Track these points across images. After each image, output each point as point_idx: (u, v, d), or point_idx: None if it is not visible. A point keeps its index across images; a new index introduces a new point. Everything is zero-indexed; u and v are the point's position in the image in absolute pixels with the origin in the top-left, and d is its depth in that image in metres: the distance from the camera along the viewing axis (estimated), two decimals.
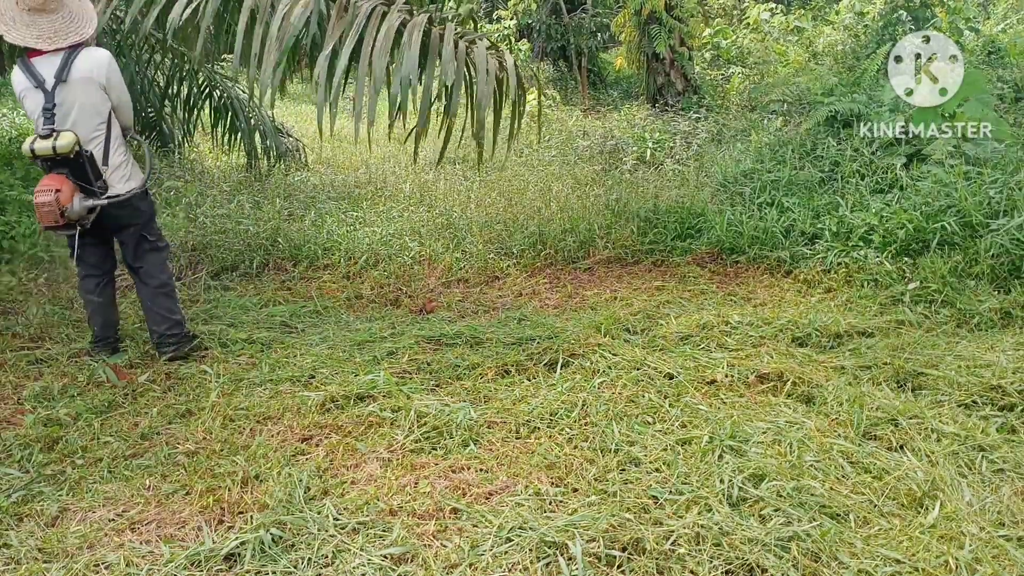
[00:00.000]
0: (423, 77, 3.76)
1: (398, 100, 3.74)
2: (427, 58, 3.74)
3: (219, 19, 5.38)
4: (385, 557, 2.26)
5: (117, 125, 3.73)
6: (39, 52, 3.54)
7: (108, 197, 3.63)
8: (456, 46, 3.65)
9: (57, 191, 3.43)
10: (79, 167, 3.53)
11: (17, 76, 3.57)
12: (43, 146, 3.44)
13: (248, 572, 2.21)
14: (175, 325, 3.88)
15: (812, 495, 2.50)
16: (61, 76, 3.50)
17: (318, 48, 3.83)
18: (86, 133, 3.56)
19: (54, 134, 3.45)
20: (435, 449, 2.91)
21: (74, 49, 3.55)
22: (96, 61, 3.58)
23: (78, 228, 3.59)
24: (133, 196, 3.73)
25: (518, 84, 4.01)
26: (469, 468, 2.76)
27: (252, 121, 7.82)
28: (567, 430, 3.01)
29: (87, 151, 3.55)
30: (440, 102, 3.97)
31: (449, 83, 3.56)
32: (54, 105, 3.49)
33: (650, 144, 7.89)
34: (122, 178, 3.72)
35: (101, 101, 3.61)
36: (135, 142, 3.92)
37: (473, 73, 3.82)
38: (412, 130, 3.86)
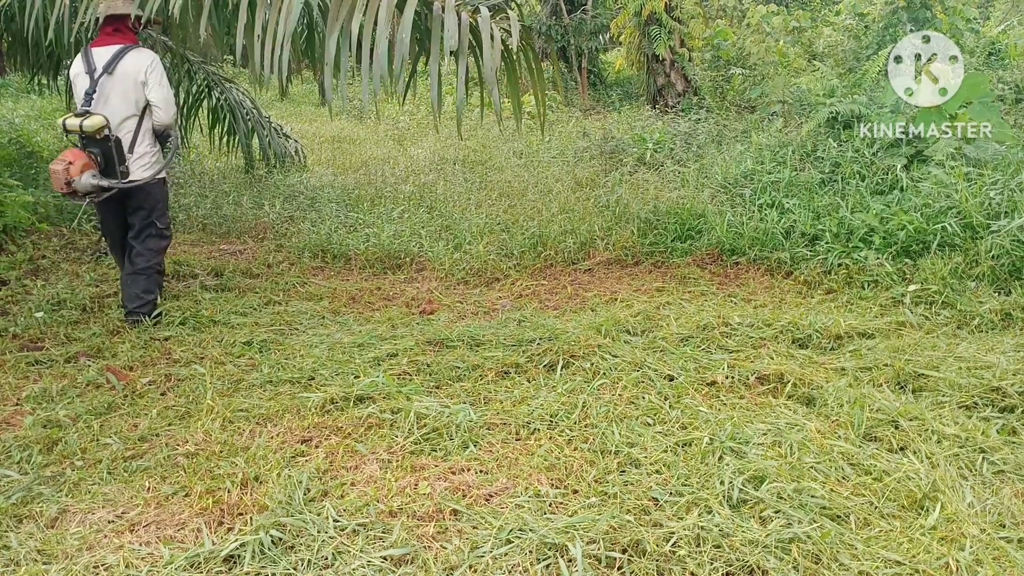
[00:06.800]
0: (427, 49, 3.73)
1: (402, 68, 3.67)
2: (431, 32, 3.70)
3: (219, 14, 5.35)
4: (385, 559, 2.26)
5: (149, 120, 4.19)
6: (102, 42, 4.13)
7: (122, 182, 4.10)
8: (459, 16, 3.62)
9: (69, 163, 3.93)
10: (108, 149, 4.04)
11: (76, 61, 4.18)
12: (73, 123, 3.99)
13: (248, 574, 2.20)
14: (145, 304, 4.30)
15: (813, 497, 2.50)
16: (108, 68, 4.06)
17: (319, 47, 3.80)
18: (117, 120, 4.08)
19: (86, 115, 3.99)
20: (435, 451, 2.90)
21: (127, 48, 4.11)
22: (140, 60, 4.11)
23: (88, 199, 4.08)
24: (147, 183, 4.20)
25: (529, 49, 3.98)
26: (469, 470, 2.76)
27: (250, 122, 7.82)
28: (567, 432, 3.00)
29: (115, 136, 4.06)
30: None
31: (452, 50, 3.56)
32: (94, 91, 4.04)
33: (650, 145, 7.88)
34: (142, 167, 4.20)
35: (137, 96, 4.12)
36: (169, 138, 4.37)
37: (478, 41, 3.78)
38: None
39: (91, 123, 3.96)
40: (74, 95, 4.25)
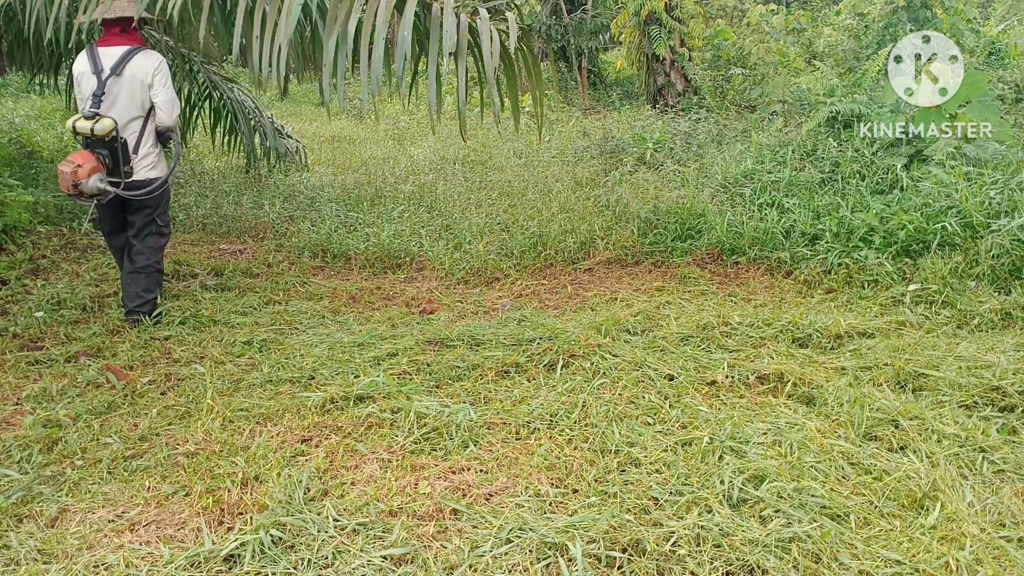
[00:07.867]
0: (425, 49, 3.73)
1: (404, 68, 3.66)
2: (431, 33, 3.70)
3: (221, 14, 5.35)
4: (385, 558, 2.26)
5: (153, 121, 4.20)
6: (109, 43, 4.12)
7: (127, 183, 4.12)
8: (458, 17, 3.63)
9: (78, 166, 3.93)
10: (114, 150, 4.06)
11: (81, 59, 4.14)
12: (84, 126, 3.99)
13: (248, 573, 2.21)
14: (146, 303, 4.31)
15: (813, 496, 2.50)
16: (116, 70, 4.05)
17: (319, 47, 3.80)
18: (123, 122, 4.08)
19: (96, 118, 4.00)
20: (435, 450, 2.91)
21: (135, 49, 4.11)
22: (146, 62, 4.11)
23: (94, 201, 4.08)
24: (152, 193, 4.23)
25: (528, 51, 3.99)
26: (469, 469, 2.76)
27: (252, 122, 7.81)
28: (567, 431, 3.00)
29: (122, 138, 4.08)
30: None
31: (451, 51, 3.57)
32: (103, 93, 4.04)
33: (650, 145, 7.88)
34: (146, 167, 4.21)
35: (143, 98, 4.12)
36: (171, 142, 4.37)
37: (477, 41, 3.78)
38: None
39: (102, 127, 3.96)
40: (76, 93, 4.22)
